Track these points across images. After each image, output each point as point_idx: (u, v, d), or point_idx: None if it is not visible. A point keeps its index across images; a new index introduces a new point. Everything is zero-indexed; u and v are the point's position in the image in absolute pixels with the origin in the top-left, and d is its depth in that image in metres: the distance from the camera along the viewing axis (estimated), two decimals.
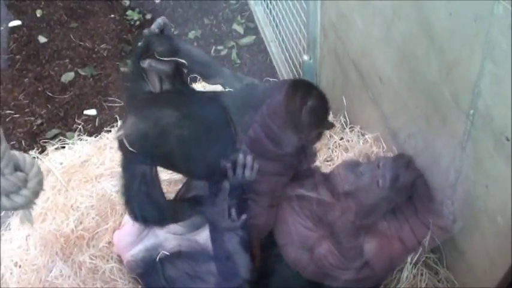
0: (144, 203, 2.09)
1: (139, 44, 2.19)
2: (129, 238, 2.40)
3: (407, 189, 2.17)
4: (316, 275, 2.20)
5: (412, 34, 2.10)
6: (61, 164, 2.79)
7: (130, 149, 2.05)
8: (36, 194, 1.73)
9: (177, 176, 2.68)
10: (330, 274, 2.17)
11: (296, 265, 2.21)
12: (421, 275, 2.21)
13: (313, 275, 2.20)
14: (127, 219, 2.46)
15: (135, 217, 2.13)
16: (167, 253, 2.31)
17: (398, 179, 2.16)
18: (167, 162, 2.19)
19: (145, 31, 2.15)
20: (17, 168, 1.68)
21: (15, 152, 1.68)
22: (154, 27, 2.15)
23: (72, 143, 2.93)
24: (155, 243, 2.38)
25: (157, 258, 2.30)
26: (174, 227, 2.45)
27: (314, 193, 2.26)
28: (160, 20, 2.18)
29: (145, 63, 2.09)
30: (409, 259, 2.20)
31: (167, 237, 2.39)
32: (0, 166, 1.60)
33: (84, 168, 2.77)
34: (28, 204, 1.73)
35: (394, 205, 2.18)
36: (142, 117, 2.08)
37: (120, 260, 2.46)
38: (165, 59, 2.10)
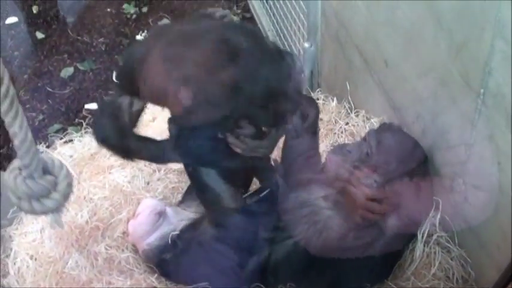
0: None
1: None
2: (144, 227, 2.42)
3: (410, 159, 2.23)
4: (323, 248, 2.22)
5: (418, 16, 2.13)
6: (71, 157, 2.81)
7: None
8: (66, 196, 1.70)
9: None
10: (338, 243, 2.20)
11: (303, 239, 2.24)
12: (434, 253, 2.24)
13: (320, 249, 2.23)
14: (141, 208, 2.48)
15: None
16: (177, 232, 2.36)
17: (384, 143, 2.23)
18: None
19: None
20: (45, 171, 1.67)
21: (43, 155, 1.67)
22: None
23: (81, 136, 2.94)
24: (170, 230, 2.41)
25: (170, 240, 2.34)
26: (188, 214, 2.49)
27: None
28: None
29: None
30: (419, 237, 2.25)
31: (181, 225, 2.42)
32: (29, 170, 1.60)
33: (94, 161, 2.79)
34: (59, 207, 1.72)
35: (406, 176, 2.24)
36: None
37: (135, 250, 2.49)
38: None
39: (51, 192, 1.66)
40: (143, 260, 2.46)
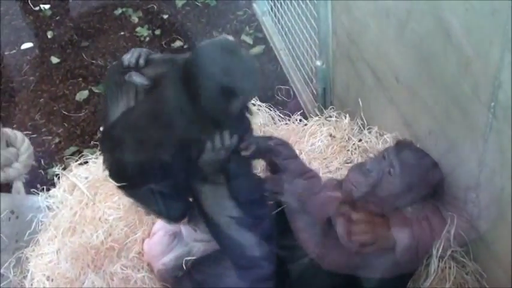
0: None
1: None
2: (159, 247, 2.44)
3: (426, 177, 2.24)
4: (337, 264, 2.23)
5: (428, 32, 2.15)
6: (86, 178, 2.82)
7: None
8: (26, 166, 1.89)
9: None
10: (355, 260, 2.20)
11: (316, 255, 2.24)
12: (449, 268, 2.22)
13: (334, 264, 2.23)
14: (156, 228, 2.50)
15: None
16: (193, 257, 2.35)
17: (406, 161, 2.23)
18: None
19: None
20: (8, 144, 1.82)
21: (7, 129, 1.80)
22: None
23: (96, 158, 2.96)
24: (185, 251, 2.42)
25: (184, 265, 2.35)
26: (201, 235, 2.49)
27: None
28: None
29: (128, 76, 2.01)
30: (434, 252, 2.23)
31: (195, 245, 2.43)
32: None
33: (109, 182, 2.78)
34: (19, 176, 1.87)
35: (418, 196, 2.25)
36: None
37: (150, 269, 2.50)
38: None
39: (13, 162, 1.84)
40: (158, 280, 2.47)
